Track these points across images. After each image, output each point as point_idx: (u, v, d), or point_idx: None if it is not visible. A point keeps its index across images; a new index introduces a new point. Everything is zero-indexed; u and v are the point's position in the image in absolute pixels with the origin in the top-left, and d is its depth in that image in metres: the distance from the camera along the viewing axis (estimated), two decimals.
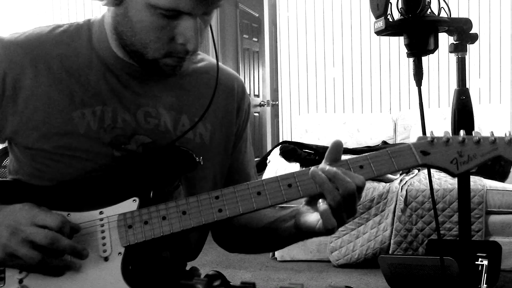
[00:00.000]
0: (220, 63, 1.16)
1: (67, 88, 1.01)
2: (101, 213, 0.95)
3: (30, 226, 0.88)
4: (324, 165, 0.94)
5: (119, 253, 0.93)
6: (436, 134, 1.00)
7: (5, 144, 1.10)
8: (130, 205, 0.96)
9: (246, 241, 1.18)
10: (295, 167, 3.95)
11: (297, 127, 4.56)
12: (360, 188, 0.92)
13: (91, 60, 1.04)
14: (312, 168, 0.94)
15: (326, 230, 0.94)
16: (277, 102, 5.15)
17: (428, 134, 1.00)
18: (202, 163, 1.03)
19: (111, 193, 0.97)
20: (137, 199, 0.96)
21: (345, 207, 0.92)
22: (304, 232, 0.99)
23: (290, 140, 4.55)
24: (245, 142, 1.22)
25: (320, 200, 0.93)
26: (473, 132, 1.01)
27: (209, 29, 1.06)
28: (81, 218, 0.94)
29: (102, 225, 0.94)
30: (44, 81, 1.00)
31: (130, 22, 0.95)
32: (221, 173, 1.16)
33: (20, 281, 0.92)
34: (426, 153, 0.97)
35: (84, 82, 1.02)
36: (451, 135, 0.99)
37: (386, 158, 0.97)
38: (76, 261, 0.92)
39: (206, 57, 1.18)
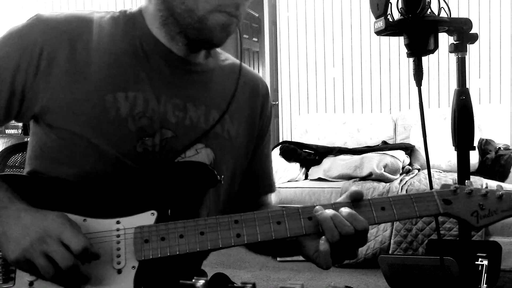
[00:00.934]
0: (244, 64, 1.19)
1: (103, 70, 1.00)
2: (118, 222, 0.93)
3: (57, 241, 0.86)
4: (320, 208, 0.95)
5: (133, 267, 0.92)
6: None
7: (6, 144, 1.09)
8: (148, 218, 0.94)
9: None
10: (295, 167, 3.96)
11: (297, 127, 4.56)
12: (361, 232, 0.92)
13: (129, 46, 1.04)
14: (317, 206, 0.95)
15: (321, 264, 0.96)
16: (277, 102, 5.16)
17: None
18: (222, 182, 1.03)
19: (129, 202, 0.95)
20: (155, 212, 0.94)
21: (344, 249, 0.93)
22: (301, 252, 1.01)
23: (290, 140, 4.55)
24: (268, 144, 1.23)
25: (323, 237, 0.93)
26: (495, 186, 1.01)
27: (238, 29, 1.07)
28: (98, 225, 0.93)
29: (118, 236, 0.93)
30: (80, 60, 1.00)
31: None
32: (240, 172, 1.16)
33: (31, 283, 0.91)
34: (449, 202, 0.98)
35: (120, 66, 1.02)
36: (473, 187, 0.99)
37: (408, 203, 0.97)
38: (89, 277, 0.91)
39: (231, 57, 1.19)
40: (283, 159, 3.94)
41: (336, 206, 0.95)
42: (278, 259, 3.54)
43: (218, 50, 1.18)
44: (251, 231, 0.94)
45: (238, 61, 1.17)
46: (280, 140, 4.69)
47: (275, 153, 4.01)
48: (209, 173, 0.99)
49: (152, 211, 0.94)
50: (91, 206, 0.95)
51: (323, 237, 0.93)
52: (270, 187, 1.24)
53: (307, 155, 4.01)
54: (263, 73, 6.97)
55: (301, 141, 4.21)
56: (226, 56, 1.18)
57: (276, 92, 5.28)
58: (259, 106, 1.19)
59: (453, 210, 0.97)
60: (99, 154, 0.99)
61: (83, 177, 0.98)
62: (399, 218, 0.97)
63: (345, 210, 0.93)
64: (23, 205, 0.91)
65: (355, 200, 0.96)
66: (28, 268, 0.88)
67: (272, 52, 5.72)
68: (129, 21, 1.07)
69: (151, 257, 0.92)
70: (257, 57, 7.17)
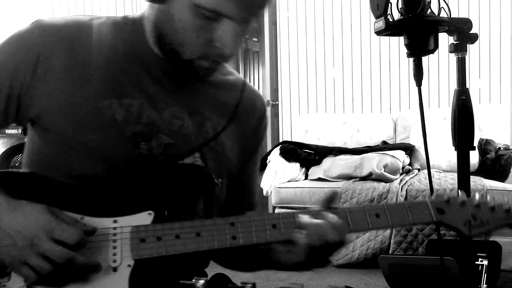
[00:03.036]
0: (246, 81, 1.19)
1: (99, 76, 1.01)
2: (115, 221, 0.94)
3: (48, 241, 0.86)
4: (301, 215, 0.96)
5: (129, 265, 0.92)
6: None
7: (8, 144, 1.09)
8: (145, 218, 0.94)
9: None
10: (295, 167, 3.96)
11: (297, 127, 4.56)
12: (334, 244, 0.94)
13: (126, 53, 1.04)
14: (299, 214, 0.96)
15: (292, 264, 0.98)
16: (277, 102, 5.15)
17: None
18: (219, 186, 1.04)
19: (126, 202, 0.96)
20: (152, 212, 0.95)
21: (317, 254, 0.95)
22: (270, 260, 1.03)
23: (290, 140, 4.55)
24: (255, 164, 1.23)
25: (303, 232, 0.95)
26: (488, 197, 1.04)
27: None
28: (94, 223, 0.93)
29: (115, 235, 0.93)
30: (78, 66, 1.00)
31: (172, 20, 0.96)
32: (230, 186, 1.16)
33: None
34: (442, 211, 1.01)
35: (116, 73, 1.02)
36: (467, 198, 1.02)
37: (403, 211, 0.99)
38: (87, 274, 0.91)
39: (235, 72, 1.19)
40: (283, 159, 3.93)
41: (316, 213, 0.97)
42: None
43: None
44: (247, 234, 0.95)
45: (241, 78, 1.17)
46: (280, 140, 4.69)
47: (275, 153, 4.01)
48: (206, 176, 0.99)
49: (149, 211, 0.95)
50: (89, 205, 0.95)
51: (304, 231, 0.94)
52: (251, 205, 1.23)
53: (307, 155, 4.00)
54: (263, 73, 6.97)
55: (301, 141, 4.21)
56: (230, 70, 1.18)
57: (276, 92, 5.28)
58: (254, 124, 1.19)
59: (446, 219, 1.01)
60: (95, 157, 0.99)
61: (80, 179, 0.99)
62: (393, 225, 0.99)
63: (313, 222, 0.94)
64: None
65: (326, 208, 0.98)
66: (23, 271, 0.88)
67: (272, 52, 5.72)
68: (129, 28, 1.07)
69: (147, 256, 0.92)
70: (257, 57, 7.17)
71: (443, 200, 1.01)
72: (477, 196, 1.03)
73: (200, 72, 1.02)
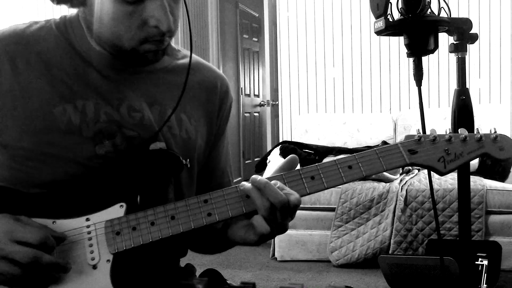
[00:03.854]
0: (204, 61, 1.16)
1: (47, 84, 0.99)
2: (87, 220, 0.93)
3: (10, 243, 0.85)
4: (255, 176, 0.94)
5: (108, 260, 0.92)
6: (433, 132, 1.00)
7: None
8: (117, 211, 0.94)
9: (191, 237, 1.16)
10: None
11: (297, 127, 4.56)
12: (293, 205, 0.92)
13: (70, 55, 1.02)
14: (252, 178, 0.93)
15: (260, 237, 0.96)
16: (277, 102, 5.15)
17: (415, 132, 1.01)
18: (188, 166, 1.02)
19: (97, 198, 0.95)
20: (124, 204, 0.94)
21: (278, 215, 0.92)
22: (232, 241, 1.03)
23: (290, 140, 4.55)
24: (223, 140, 1.22)
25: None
26: (459, 130, 1.01)
27: (183, 7, 1.03)
28: (67, 225, 0.93)
29: (89, 233, 0.93)
30: (22, 78, 0.99)
31: (98, 18, 0.95)
32: (198, 171, 1.15)
33: None
34: (414, 152, 0.98)
35: (64, 77, 1.00)
36: (437, 133, 0.99)
37: (374, 158, 0.97)
38: (60, 274, 0.89)
39: (188, 54, 1.16)
40: (283, 159, 3.93)
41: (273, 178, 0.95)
42: (278, 259, 3.54)
43: (176, 47, 1.16)
44: (222, 209, 0.94)
45: (197, 58, 1.14)
46: (280, 140, 4.69)
47: (275, 153, 4.01)
48: (173, 158, 0.98)
49: (121, 204, 0.94)
50: (59, 208, 0.94)
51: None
52: (222, 186, 1.21)
53: (307, 155, 4.00)
54: (263, 73, 6.98)
55: (301, 141, 4.21)
56: (184, 53, 1.16)
57: (276, 92, 5.28)
58: (217, 105, 1.16)
59: (419, 159, 0.98)
60: (59, 163, 0.98)
61: (47, 186, 0.97)
62: (366, 174, 0.96)
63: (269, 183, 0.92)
64: None
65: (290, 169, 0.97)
66: None
67: (272, 52, 5.72)
68: (69, 29, 1.05)
69: (124, 248, 0.92)
70: (257, 57, 7.18)
71: (413, 140, 0.98)
72: (447, 130, 0.99)
73: (149, 57, 1.00)
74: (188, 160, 1.01)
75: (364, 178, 3.57)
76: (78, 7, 0.97)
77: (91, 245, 0.92)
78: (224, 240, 1.07)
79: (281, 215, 0.92)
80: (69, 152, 0.98)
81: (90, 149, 0.99)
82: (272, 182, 0.92)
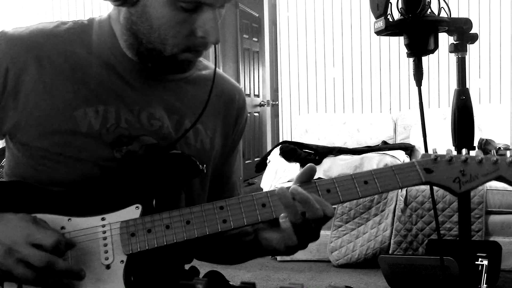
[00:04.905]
0: (223, 73, 1.16)
1: (71, 85, 0.99)
2: (103, 219, 0.93)
3: (26, 246, 0.85)
4: (297, 187, 0.93)
5: (122, 261, 0.92)
6: (439, 151, 1.01)
7: (2, 144, 1.08)
8: (132, 212, 0.94)
9: (208, 249, 1.16)
10: (295, 167, 3.95)
11: (297, 127, 4.56)
12: (327, 217, 0.93)
13: (96, 59, 1.02)
14: (280, 187, 0.93)
15: (286, 248, 0.96)
16: (277, 102, 5.15)
17: (431, 151, 1.00)
18: (205, 171, 1.02)
19: (113, 198, 0.95)
20: (140, 206, 0.94)
21: (309, 230, 0.93)
22: (263, 249, 1.01)
23: (290, 140, 4.55)
24: (236, 153, 1.22)
25: (282, 215, 0.93)
26: (474, 152, 1.02)
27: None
28: (83, 223, 0.93)
29: (104, 232, 0.93)
30: (47, 78, 0.98)
31: (149, 20, 0.94)
32: (209, 182, 1.15)
33: (19, 287, 0.90)
34: (430, 171, 0.98)
35: (88, 81, 1.00)
36: (453, 154, 1.00)
37: (390, 174, 0.97)
38: (73, 280, 0.89)
39: (210, 65, 1.17)
40: (283, 159, 3.93)
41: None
42: (278, 259, 3.54)
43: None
44: (237, 216, 0.94)
45: (216, 70, 1.14)
46: (280, 140, 4.69)
47: (275, 153, 4.00)
48: (191, 163, 0.98)
49: (137, 205, 0.94)
50: (75, 206, 0.94)
51: (282, 214, 0.93)
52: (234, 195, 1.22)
53: (307, 155, 4.00)
54: (263, 73, 6.98)
55: (301, 141, 4.21)
56: (205, 64, 1.16)
57: (276, 92, 5.28)
58: (233, 118, 1.17)
59: (435, 178, 0.98)
60: (73, 168, 0.98)
61: (63, 185, 0.98)
62: (382, 190, 0.97)
63: (310, 196, 0.92)
64: None
65: (304, 183, 0.96)
66: (10, 278, 0.87)
67: (272, 52, 5.72)
68: (98, 32, 1.05)
69: (138, 250, 0.92)
70: (257, 57, 7.17)
71: (430, 159, 0.98)
72: (464, 151, 0.99)
73: (184, 65, 1.01)
74: (204, 165, 1.01)
75: None
76: (129, 5, 0.95)
77: (105, 245, 0.92)
78: (256, 247, 1.06)
79: (315, 226, 0.93)
80: (87, 154, 0.98)
81: (109, 154, 0.99)
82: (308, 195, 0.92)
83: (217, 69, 1.16)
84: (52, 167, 0.99)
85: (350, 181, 0.96)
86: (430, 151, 1.02)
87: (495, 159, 0.98)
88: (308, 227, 0.93)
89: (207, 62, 1.17)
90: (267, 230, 1.00)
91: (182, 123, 1.07)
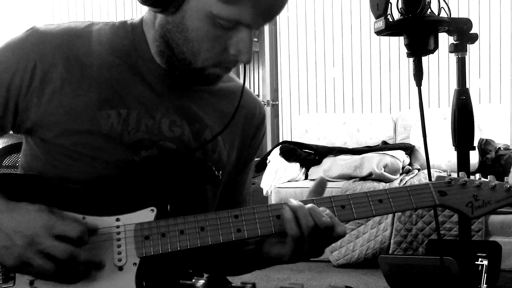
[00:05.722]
0: (247, 87, 1.15)
1: (96, 86, 0.99)
2: (117, 220, 0.93)
3: (49, 237, 0.85)
4: (303, 203, 0.94)
5: (134, 263, 0.91)
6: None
7: (7, 143, 1.08)
8: (147, 214, 0.94)
9: (207, 259, 1.16)
10: (295, 167, 3.96)
11: (297, 127, 4.56)
12: (339, 235, 0.93)
13: (123, 62, 1.02)
14: (288, 204, 0.94)
15: (290, 259, 0.95)
16: (277, 102, 5.16)
17: (446, 174, 1.02)
18: (220, 178, 1.02)
19: (128, 199, 0.95)
20: (155, 209, 0.94)
21: (308, 244, 0.93)
22: (269, 259, 1.01)
23: (290, 140, 4.55)
24: (250, 167, 1.22)
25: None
26: (488, 177, 1.04)
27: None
28: (97, 222, 0.92)
29: (118, 233, 0.92)
30: (73, 77, 0.99)
31: (185, 30, 0.93)
32: (221, 194, 1.15)
33: (31, 282, 0.90)
34: (444, 194, 1.00)
35: (113, 83, 1.00)
36: (467, 178, 1.01)
37: (405, 195, 0.99)
38: (91, 271, 0.90)
39: (235, 78, 1.17)
40: (283, 159, 3.94)
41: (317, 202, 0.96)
42: None
43: None
44: (252, 226, 0.94)
45: (241, 84, 1.13)
46: (280, 140, 4.69)
47: (275, 153, 4.01)
48: (207, 169, 0.98)
49: (152, 208, 0.94)
50: (90, 204, 0.94)
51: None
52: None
53: (307, 155, 4.01)
54: (263, 73, 6.98)
55: (301, 141, 4.21)
56: (230, 77, 1.15)
57: (276, 92, 5.28)
58: (252, 132, 1.17)
59: (448, 201, 0.99)
60: (95, 164, 0.99)
61: (80, 183, 0.98)
62: (396, 210, 0.98)
63: (308, 205, 0.93)
64: None
65: (317, 195, 0.98)
66: (28, 271, 0.87)
67: (272, 52, 5.72)
68: (129, 35, 1.04)
69: (152, 253, 0.92)
70: (257, 57, 7.18)
71: (444, 182, 1.00)
72: (477, 176, 1.02)
73: (211, 78, 1.01)
74: (220, 172, 1.01)
75: (364, 178, 3.59)
76: (168, 14, 0.94)
77: (119, 246, 0.92)
78: (258, 257, 1.05)
79: (322, 238, 0.93)
80: (106, 155, 0.99)
81: (128, 156, 1.00)
82: (321, 208, 0.93)
83: (240, 82, 1.15)
84: (70, 164, 0.99)
85: (365, 198, 0.97)
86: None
87: (508, 186, 1.02)
88: (315, 239, 0.93)
89: (232, 75, 1.16)
90: (273, 242, 0.99)
91: (202, 134, 1.07)
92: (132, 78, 1.02)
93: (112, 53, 1.02)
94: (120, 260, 0.92)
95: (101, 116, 0.99)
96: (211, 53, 0.95)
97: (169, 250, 0.92)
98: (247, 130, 1.16)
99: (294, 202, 0.94)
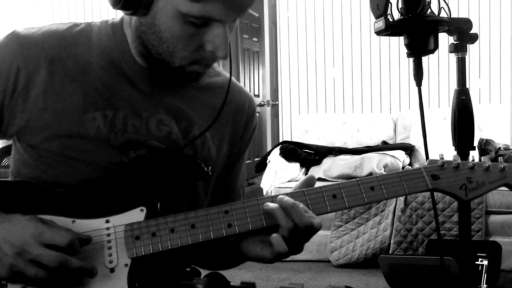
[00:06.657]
0: (235, 80, 1.14)
1: (80, 89, 0.99)
2: (107, 221, 0.92)
3: (38, 246, 0.85)
4: (283, 196, 0.93)
5: (126, 264, 0.91)
6: (439, 151, 1.00)
7: (7, 143, 1.08)
8: (137, 214, 0.93)
9: (194, 253, 1.15)
10: (295, 167, 3.96)
11: (297, 127, 4.56)
12: (315, 229, 0.92)
13: (106, 63, 1.02)
14: (278, 197, 0.93)
15: (276, 256, 0.94)
16: (277, 102, 5.15)
17: (437, 156, 1.00)
18: (210, 174, 1.01)
19: (117, 200, 0.94)
20: (144, 208, 0.93)
21: (295, 240, 0.92)
22: (244, 255, 1.00)
23: (290, 140, 4.55)
24: (242, 162, 1.21)
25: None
26: (482, 158, 1.01)
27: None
28: (87, 225, 0.92)
29: (109, 235, 0.92)
30: (57, 80, 0.98)
31: (158, 31, 0.93)
32: (213, 190, 1.15)
33: None
34: (436, 177, 0.98)
35: (97, 85, 1.00)
36: (460, 160, 0.99)
37: (397, 180, 0.97)
38: (83, 278, 0.89)
39: (223, 72, 1.16)
40: (283, 159, 3.93)
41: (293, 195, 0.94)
42: None
43: None
44: (242, 221, 0.93)
45: (228, 78, 1.12)
46: (280, 140, 4.69)
47: (275, 153, 4.00)
48: (196, 165, 0.98)
49: (141, 208, 0.94)
50: (80, 207, 0.94)
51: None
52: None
53: (307, 155, 4.00)
54: (263, 73, 6.98)
55: (301, 141, 4.21)
56: (218, 71, 1.15)
57: (276, 92, 5.28)
58: (242, 126, 1.16)
59: (441, 185, 0.98)
60: (81, 171, 0.98)
61: (69, 187, 0.97)
62: (388, 196, 0.96)
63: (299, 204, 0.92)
64: None
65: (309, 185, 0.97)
66: (20, 280, 0.87)
67: (272, 52, 5.72)
68: (110, 35, 1.04)
69: (143, 253, 0.91)
70: (257, 57, 7.17)
71: (437, 165, 0.98)
72: (471, 158, 0.99)
73: (191, 76, 1.01)
74: (210, 168, 1.00)
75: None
76: (139, 15, 0.94)
77: (110, 248, 0.91)
78: (236, 254, 1.05)
79: (302, 237, 0.92)
80: (94, 158, 0.98)
81: (116, 158, 0.99)
82: (296, 202, 0.91)
83: (228, 76, 1.14)
84: (59, 169, 0.98)
85: (357, 186, 0.96)
86: (430, 153, 1.02)
87: (502, 166, 0.98)
88: (295, 237, 0.92)
89: (220, 69, 1.16)
90: (250, 238, 0.99)
91: (191, 130, 1.06)
92: (117, 79, 1.01)
93: (94, 54, 1.02)
94: (111, 262, 0.91)
95: (86, 118, 0.98)
96: (187, 52, 0.94)
97: (160, 249, 0.91)
98: (237, 123, 1.15)
99: (271, 205, 0.92)
